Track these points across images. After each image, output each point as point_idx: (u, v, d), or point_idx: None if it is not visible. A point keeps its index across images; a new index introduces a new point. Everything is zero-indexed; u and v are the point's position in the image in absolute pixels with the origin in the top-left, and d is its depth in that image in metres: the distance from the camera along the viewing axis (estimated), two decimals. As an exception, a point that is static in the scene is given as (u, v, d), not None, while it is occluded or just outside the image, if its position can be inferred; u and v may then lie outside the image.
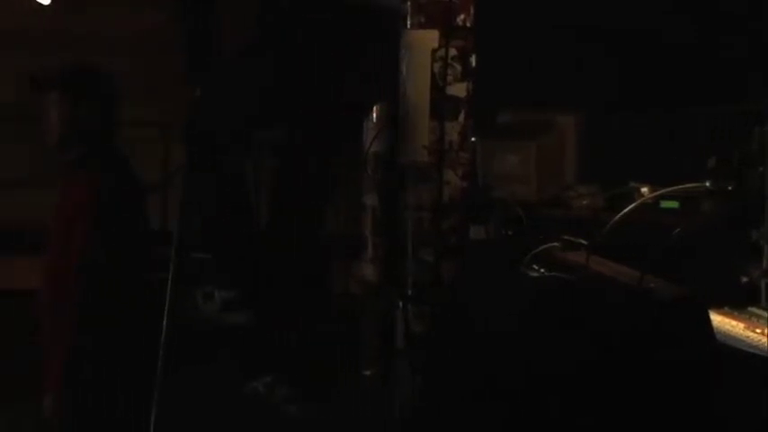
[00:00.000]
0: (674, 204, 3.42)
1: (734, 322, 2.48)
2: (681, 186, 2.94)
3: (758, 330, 2.38)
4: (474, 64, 3.74)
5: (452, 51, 3.66)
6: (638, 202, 3.18)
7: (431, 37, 3.67)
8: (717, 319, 2.48)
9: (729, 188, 2.79)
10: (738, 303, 2.59)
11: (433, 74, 3.67)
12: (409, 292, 3.71)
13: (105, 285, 3.02)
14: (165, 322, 3.46)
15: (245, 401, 4.02)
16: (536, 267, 3.08)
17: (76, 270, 2.96)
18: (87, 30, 8.75)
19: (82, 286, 3.00)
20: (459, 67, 3.69)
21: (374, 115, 4.37)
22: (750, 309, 2.58)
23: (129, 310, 3.08)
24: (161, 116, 7.73)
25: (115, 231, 3.01)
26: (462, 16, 3.68)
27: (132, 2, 8.69)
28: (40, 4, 7.23)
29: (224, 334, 4.06)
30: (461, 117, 3.72)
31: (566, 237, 3.10)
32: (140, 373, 3.20)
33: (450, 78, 3.67)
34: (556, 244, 3.10)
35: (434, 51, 3.66)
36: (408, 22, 3.74)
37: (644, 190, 3.65)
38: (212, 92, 3.99)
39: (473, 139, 3.91)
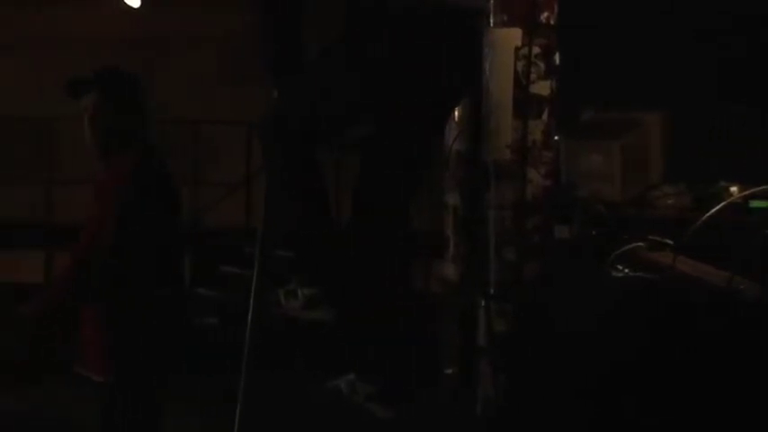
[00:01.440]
0: (764, 204, 3.34)
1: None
2: (771, 185, 2.87)
3: None
4: (557, 62, 3.70)
5: (536, 49, 3.63)
6: (726, 201, 3.12)
7: (514, 35, 3.65)
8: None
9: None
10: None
11: (516, 72, 3.65)
12: (491, 291, 3.69)
13: (121, 278, 3.15)
14: (249, 319, 3.52)
15: (328, 399, 4.05)
16: (620, 267, 3.04)
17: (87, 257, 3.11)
18: (174, 31, 8.94)
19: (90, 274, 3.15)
20: (542, 65, 3.66)
21: (456, 114, 4.36)
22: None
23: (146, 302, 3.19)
24: (245, 115, 7.85)
25: (135, 223, 3.14)
26: (546, 14, 3.65)
27: (217, 2, 8.83)
28: (130, 7, 7.42)
29: (307, 332, 4.10)
30: (545, 115, 3.68)
31: (651, 237, 3.05)
32: (154, 371, 3.27)
33: (533, 76, 3.64)
34: (641, 244, 3.05)
35: (518, 49, 3.63)
36: (491, 20, 3.72)
37: (733, 189, 3.57)
38: (293, 91, 4.03)
39: (556, 137, 3.87)
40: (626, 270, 3.25)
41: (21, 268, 7.61)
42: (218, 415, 3.87)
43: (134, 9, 7.58)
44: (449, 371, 4.45)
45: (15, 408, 5.02)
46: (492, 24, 3.73)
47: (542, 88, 3.68)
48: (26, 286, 7.22)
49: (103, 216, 3.18)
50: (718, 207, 2.67)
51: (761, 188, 2.97)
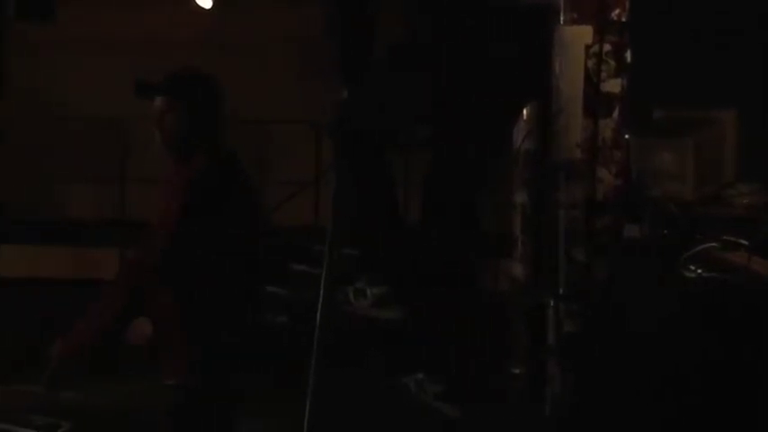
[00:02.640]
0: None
1: None
2: None
3: None
4: (629, 59, 3.66)
5: (606, 47, 3.59)
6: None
7: (584, 33, 3.62)
8: None
9: None
10: None
11: (586, 70, 3.62)
12: (560, 291, 3.66)
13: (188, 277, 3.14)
14: (318, 317, 3.53)
15: (396, 398, 4.07)
16: (693, 268, 2.99)
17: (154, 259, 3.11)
18: (244, 31, 9.03)
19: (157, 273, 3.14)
20: (613, 63, 3.62)
21: (525, 113, 4.34)
22: None
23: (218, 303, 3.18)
24: (314, 115, 7.90)
25: (198, 226, 3.13)
26: (617, 11, 3.61)
27: (286, 3, 8.90)
28: (201, 8, 7.52)
29: (375, 330, 4.12)
30: (615, 114, 3.65)
31: (725, 236, 3.00)
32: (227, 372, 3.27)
33: (604, 74, 3.61)
34: (714, 244, 3.00)
35: (588, 47, 3.60)
36: (561, 18, 3.69)
37: (811, 188, 3.49)
38: (362, 90, 4.04)
39: (627, 136, 3.82)
40: (699, 271, 3.20)
41: (95, 265, 7.76)
42: (287, 413, 3.90)
43: (205, 10, 7.69)
44: (516, 371, 4.42)
45: (94, 402, 5.14)
46: (562, 22, 3.70)
47: (613, 86, 3.65)
48: (101, 282, 7.39)
49: (165, 220, 3.18)
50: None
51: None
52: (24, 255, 7.26)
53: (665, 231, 3.84)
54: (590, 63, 3.61)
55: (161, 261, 3.07)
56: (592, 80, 3.62)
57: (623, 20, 3.64)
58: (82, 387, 5.22)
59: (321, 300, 3.74)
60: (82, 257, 7.95)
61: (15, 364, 5.20)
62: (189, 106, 3.28)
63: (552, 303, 3.72)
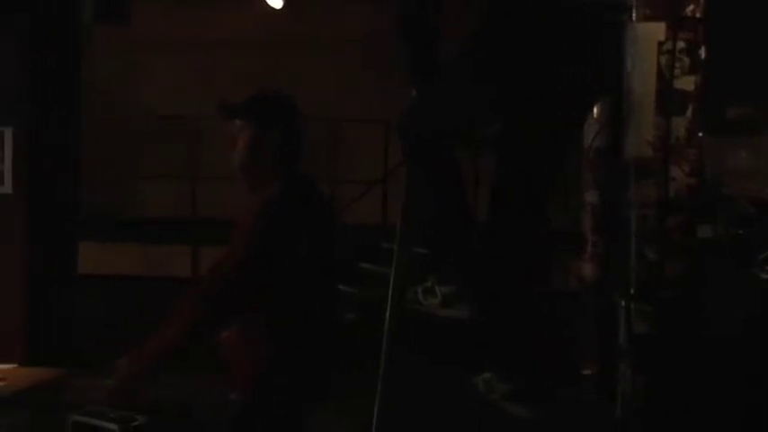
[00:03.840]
0: None
1: None
2: None
3: None
4: (703, 56, 3.60)
5: (680, 43, 3.53)
6: None
7: (657, 29, 3.57)
8: None
9: None
10: None
11: (659, 67, 3.56)
12: (632, 291, 3.62)
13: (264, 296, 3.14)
14: (388, 316, 3.55)
15: (464, 398, 4.06)
16: (770, 269, 2.93)
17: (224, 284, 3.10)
18: (314, 30, 9.10)
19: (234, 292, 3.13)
20: (687, 60, 3.56)
21: (596, 111, 4.30)
22: None
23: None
24: (383, 114, 7.92)
25: (277, 252, 3.12)
26: (691, 7, 3.55)
27: (357, 2, 8.94)
28: (272, 8, 7.60)
29: (444, 329, 4.12)
30: (689, 111, 3.58)
31: (804, 237, 2.93)
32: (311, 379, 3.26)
33: (677, 71, 3.55)
34: (792, 244, 2.93)
35: (661, 44, 3.55)
36: (633, 15, 3.64)
37: None
38: (432, 89, 4.04)
39: (701, 133, 3.76)
40: (776, 271, 3.13)
41: (169, 263, 7.90)
42: (356, 412, 3.93)
43: (276, 10, 7.77)
44: (587, 371, 4.38)
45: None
46: (634, 19, 3.65)
47: (687, 83, 3.59)
48: (174, 280, 7.52)
49: (239, 255, 3.17)
50: None
51: None
52: (100, 252, 7.42)
53: (740, 231, 3.77)
54: (663, 60, 3.55)
55: (228, 291, 3.08)
56: (665, 77, 3.56)
57: (697, 16, 3.58)
58: (157, 381, 5.34)
59: (390, 298, 3.76)
60: (155, 255, 8.09)
61: (92, 358, 5.33)
62: (262, 130, 3.25)
63: (623, 304, 3.68)
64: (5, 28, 5.31)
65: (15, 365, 4.41)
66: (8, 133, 5.27)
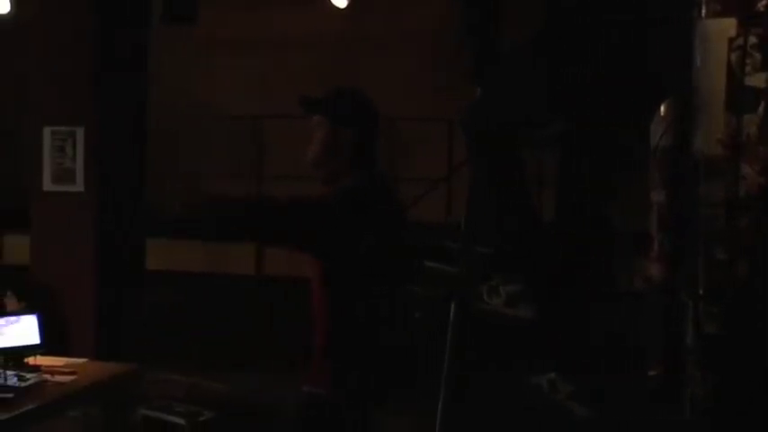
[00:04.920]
0: None
1: None
2: None
3: None
4: (776, 52, 3.52)
5: (752, 39, 3.46)
6: None
7: (728, 25, 3.50)
8: None
9: None
10: None
11: (729, 64, 3.50)
12: (700, 292, 3.56)
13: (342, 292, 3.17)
14: (452, 314, 3.56)
15: (528, 397, 4.04)
16: None
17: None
18: (378, 29, 9.12)
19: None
20: (758, 56, 3.48)
21: (663, 109, 4.24)
22: None
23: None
24: (446, 112, 7.92)
25: (349, 250, 3.15)
26: (764, 2, 3.47)
27: (420, 1, 8.94)
28: (336, 7, 7.63)
29: (508, 328, 4.11)
30: (761, 109, 3.51)
31: None
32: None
33: (748, 68, 3.48)
34: None
35: (731, 40, 3.48)
36: (703, 11, 3.58)
37: None
38: (495, 88, 4.03)
39: (772, 131, 3.68)
40: None
41: (233, 261, 8.00)
42: (420, 409, 3.94)
43: (340, 9, 7.81)
44: (653, 372, 4.33)
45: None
46: (703, 15, 3.59)
47: (758, 80, 3.51)
48: (238, 277, 7.62)
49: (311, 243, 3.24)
50: None
51: None
52: (167, 249, 7.54)
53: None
54: (733, 56, 3.48)
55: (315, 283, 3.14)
56: (735, 74, 3.49)
57: (770, 11, 3.50)
58: (225, 378, 5.42)
59: (455, 297, 3.76)
60: (219, 252, 8.19)
61: (161, 354, 5.43)
62: (339, 126, 3.29)
63: (691, 304, 3.62)
64: (80, 29, 5.42)
65: (86, 360, 4.50)
66: (80, 133, 5.37)
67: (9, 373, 3.92)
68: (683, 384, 3.75)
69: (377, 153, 3.34)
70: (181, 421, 4.89)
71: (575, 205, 4.29)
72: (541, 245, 3.93)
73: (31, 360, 4.22)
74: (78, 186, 5.40)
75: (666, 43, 3.84)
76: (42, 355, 4.29)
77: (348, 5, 7.75)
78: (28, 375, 3.94)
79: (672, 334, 4.12)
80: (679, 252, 4.18)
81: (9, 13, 6.90)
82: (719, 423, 3.46)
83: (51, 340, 4.36)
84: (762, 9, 3.46)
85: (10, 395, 3.67)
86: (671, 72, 3.92)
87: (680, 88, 3.91)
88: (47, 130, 5.42)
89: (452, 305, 3.76)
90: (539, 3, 4.32)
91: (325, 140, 3.27)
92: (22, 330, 4.24)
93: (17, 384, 3.81)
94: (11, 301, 4.72)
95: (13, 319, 4.26)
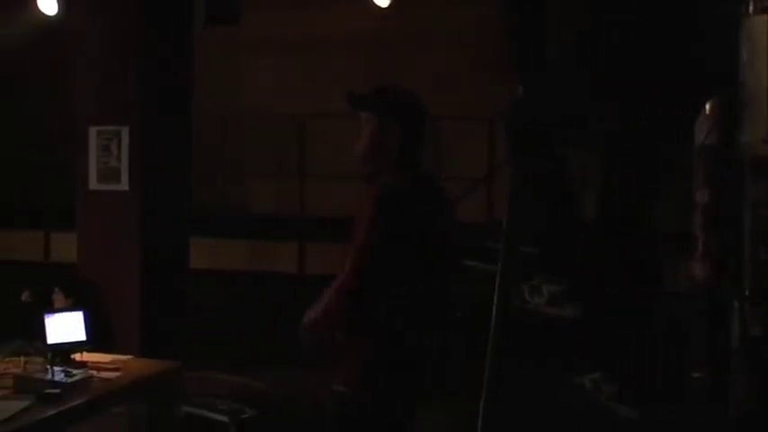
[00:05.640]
0: None
1: None
2: None
3: None
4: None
5: (800, 37, 3.42)
6: None
7: (775, 22, 3.46)
8: None
9: None
10: None
11: (776, 62, 3.46)
12: (746, 293, 3.53)
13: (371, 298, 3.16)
14: (494, 313, 3.55)
15: (571, 396, 4.03)
16: None
17: (346, 287, 3.12)
18: (418, 28, 9.12)
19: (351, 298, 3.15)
20: (806, 54, 3.45)
21: (708, 107, 4.20)
22: None
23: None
24: (487, 111, 7.90)
25: (386, 248, 3.13)
26: (812, -2, 3.43)
27: (461, 0, 8.92)
28: (378, 6, 7.64)
29: (551, 328, 4.09)
30: (808, 107, 3.47)
31: None
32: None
33: (796, 66, 3.44)
34: None
35: (779, 37, 3.44)
36: (749, 8, 3.55)
37: None
38: (538, 88, 4.02)
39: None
40: None
41: (276, 259, 8.04)
42: (463, 406, 3.93)
43: (381, 8, 7.81)
44: (696, 374, 4.29)
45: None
46: (750, 11, 3.56)
47: (806, 78, 3.47)
48: (281, 276, 7.66)
49: (361, 244, 3.20)
50: None
51: None
52: (210, 247, 7.60)
53: None
54: (781, 54, 3.45)
55: (361, 280, 3.12)
56: (782, 72, 3.46)
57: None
58: (268, 376, 5.45)
59: (496, 297, 3.76)
60: (262, 251, 8.24)
61: (204, 352, 5.47)
62: (385, 123, 3.29)
63: (737, 305, 3.58)
64: (126, 30, 5.48)
65: (131, 357, 4.54)
66: (125, 132, 5.43)
67: (56, 368, 3.97)
68: (727, 386, 3.72)
69: (424, 152, 3.34)
70: (224, 419, 4.92)
71: (618, 205, 4.26)
72: (584, 244, 3.91)
73: (77, 356, 4.28)
74: (123, 185, 5.45)
75: (713, 41, 3.80)
76: (88, 351, 4.35)
77: (390, 4, 7.74)
78: (74, 371, 3.99)
79: (716, 335, 4.08)
80: (724, 252, 4.14)
81: (57, 14, 7.00)
82: (763, 424, 3.42)
83: (97, 337, 4.42)
84: (810, 5, 3.42)
85: (57, 391, 3.71)
86: (717, 70, 3.89)
87: (725, 86, 3.87)
88: (93, 130, 5.48)
89: (494, 304, 3.75)
90: (582, 3, 4.30)
91: (373, 137, 3.28)
92: (69, 327, 4.30)
93: (64, 380, 3.85)
94: (58, 298, 4.78)
95: (60, 315, 4.32)
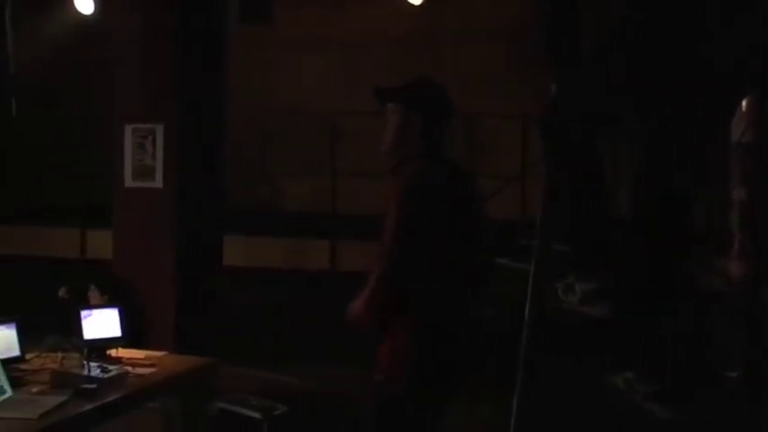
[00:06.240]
0: None
1: None
2: None
3: None
4: None
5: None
6: None
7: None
8: None
9: None
10: None
11: (813, 58, 3.42)
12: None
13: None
14: (527, 312, 3.54)
15: (604, 395, 4.00)
16: None
17: (381, 276, 3.13)
18: (453, 26, 9.11)
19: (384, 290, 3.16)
20: None
21: (744, 104, 4.16)
22: None
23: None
24: (521, 109, 7.87)
25: (413, 238, 3.14)
26: None
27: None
28: (411, 4, 7.64)
29: (584, 326, 4.07)
30: None
31: None
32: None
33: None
34: None
35: (817, 34, 3.40)
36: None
37: None
38: (573, 84, 4.00)
39: None
40: None
41: (309, 256, 8.07)
42: (496, 405, 3.93)
43: (416, 6, 7.82)
44: (732, 374, 4.25)
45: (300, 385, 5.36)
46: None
47: (844, 75, 3.43)
48: (314, 273, 7.68)
49: (393, 229, 3.22)
50: None
51: None
52: (243, 245, 7.64)
53: None
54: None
55: (392, 272, 3.14)
56: (820, 69, 3.42)
57: None
58: (299, 372, 5.48)
59: (529, 295, 3.75)
60: (295, 248, 8.26)
61: (236, 347, 5.50)
62: (409, 113, 3.32)
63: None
64: (161, 29, 5.52)
65: (165, 353, 4.58)
66: (159, 130, 5.46)
67: (92, 364, 4.02)
68: (764, 385, 3.68)
69: (445, 140, 3.35)
70: (256, 415, 4.95)
71: (652, 203, 4.23)
72: (618, 243, 3.89)
73: (113, 352, 4.32)
74: (158, 183, 5.49)
75: (749, 37, 3.77)
76: (123, 347, 4.39)
77: (424, 3, 7.74)
78: (110, 367, 4.03)
79: (753, 334, 4.05)
80: (760, 251, 4.10)
81: (93, 13, 7.07)
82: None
83: (132, 333, 4.46)
84: None
85: (93, 386, 3.75)
86: (753, 66, 3.85)
87: (762, 84, 3.84)
88: (128, 128, 5.53)
89: (527, 303, 3.74)
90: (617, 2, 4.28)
91: (397, 128, 3.31)
92: (105, 323, 4.35)
93: (100, 376, 3.89)
94: (94, 295, 4.83)
95: (96, 311, 4.37)
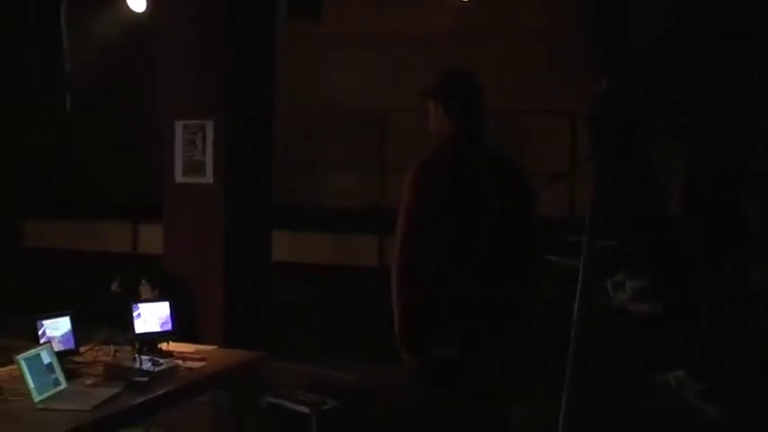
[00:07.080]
0: None
1: None
2: None
3: None
4: None
5: None
6: None
7: None
8: None
9: None
10: None
11: None
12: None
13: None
14: (576, 309, 3.51)
15: (655, 394, 3.96)
16: None
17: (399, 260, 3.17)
18: (496, 22, 9.06)
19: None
20: None
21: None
22: None
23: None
24: (570, 104, 7.82)
25: (425, 226, 3.17)
26: None
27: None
28: (463, 2, 7.63)
29: (635, 324, 4.04)
30: None
31: None
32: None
33: None
34: None
35: None
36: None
37: None
38: (623, 80, 3.96)
39: None
40: None
41: (356, 252, 8.09)
42: (546, 402, 3.91)
43: (462, 3, 7.80)
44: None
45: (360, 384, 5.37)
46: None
47: None
48: (361, 269, 7.69)
49: (403, 218, 3.32)
50: None
51: None
52: (291, 241, 7.67)
53: None
54: None
55: (414, 256, 3.17)
56: None
57: None
58: (348, 367, 5.49)
59: (579, 292, 3.72)
60: (343, 244, 8.28)
61: (285, 342, 5.53)
62: (439, 103, 3.40)
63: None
64: (211, 26, 5.56)
65: (215, 347, 4.63)
66: (209, 126, 5.51)
67: (144, 357, 4.07)
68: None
69: (479, 129, 3.40)
70: (305, 410, 4.98)
71: (705, 199, 4.18)
72: (669, 240, 3.85)
73: (164, 346, 4.38)
74: (208, 178, 5.53)
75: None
76: (174, 341, 4.45)
77: (469, 0, 7.72)
78: (161, 360, 4.09)
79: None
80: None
81: (144, 11, 7.15)
82: None
83: (182, 327, 4.52)
84: None
85: (145, 379, 3.81)
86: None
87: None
88: (179, 124, 5.58)
89: (576, 300, 3.71)
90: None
91: (437, 121, 3.42)
92: (156, 317, 4.41)
93: (152, 369, 3.95)
94: (145, 289, 4.90)
95: (148, 306, 4.44)
